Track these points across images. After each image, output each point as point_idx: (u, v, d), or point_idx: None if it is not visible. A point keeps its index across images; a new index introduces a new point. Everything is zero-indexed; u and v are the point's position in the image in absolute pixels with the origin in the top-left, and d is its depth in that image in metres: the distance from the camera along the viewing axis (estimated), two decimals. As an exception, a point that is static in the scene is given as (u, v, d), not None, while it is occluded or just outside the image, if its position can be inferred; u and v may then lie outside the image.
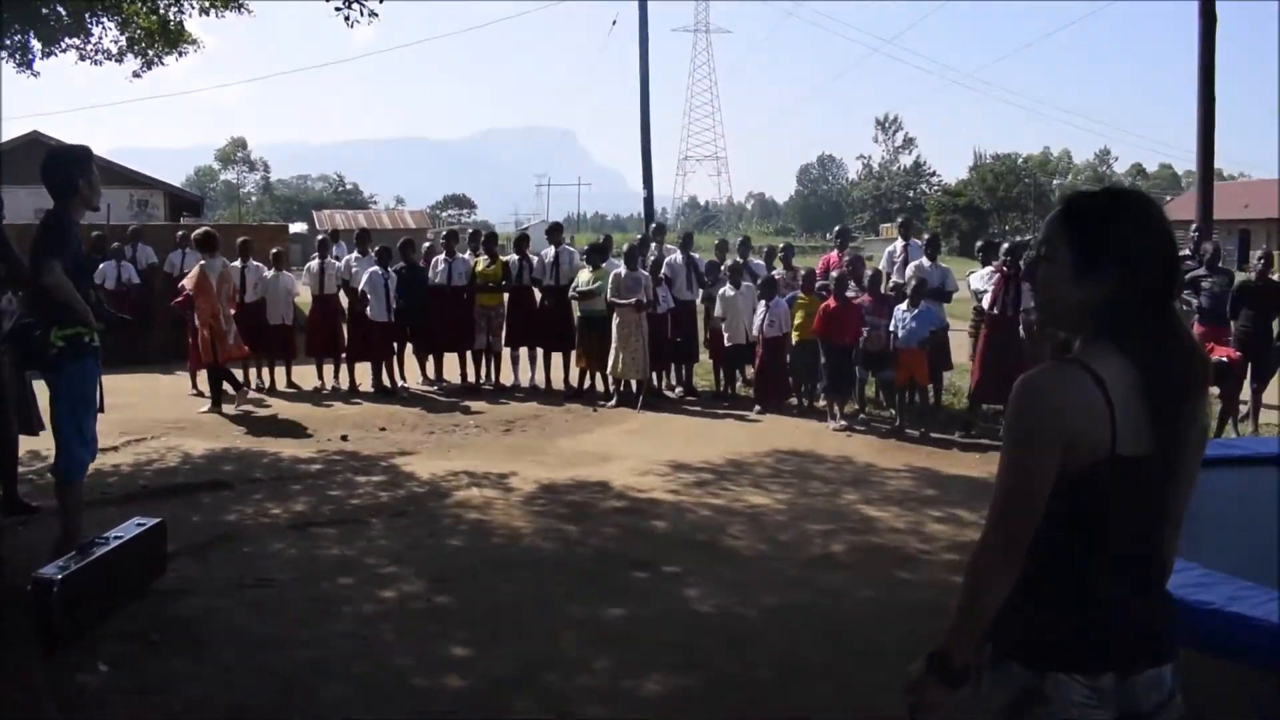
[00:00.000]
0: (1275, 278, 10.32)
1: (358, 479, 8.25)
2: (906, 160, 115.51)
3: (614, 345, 11.57)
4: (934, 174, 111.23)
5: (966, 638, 2.08)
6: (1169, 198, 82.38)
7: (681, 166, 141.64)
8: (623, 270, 11.64)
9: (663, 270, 12.25)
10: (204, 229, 12.36)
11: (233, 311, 11.37)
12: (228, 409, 11.17)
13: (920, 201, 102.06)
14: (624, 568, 6.04)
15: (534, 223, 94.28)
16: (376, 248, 12.96)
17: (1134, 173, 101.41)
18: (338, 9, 10.17)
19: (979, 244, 11.19)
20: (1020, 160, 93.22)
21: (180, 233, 15.65)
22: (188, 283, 11.10)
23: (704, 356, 12.81)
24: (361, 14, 10.23)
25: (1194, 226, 13.67)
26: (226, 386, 11.31)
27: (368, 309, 12.31)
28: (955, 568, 6.08)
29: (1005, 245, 10.11)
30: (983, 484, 8.12)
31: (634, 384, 11.78)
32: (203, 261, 11.21)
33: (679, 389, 12.65)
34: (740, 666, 4.69)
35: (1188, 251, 11.20)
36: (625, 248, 12.15)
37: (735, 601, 5.48)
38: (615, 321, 11.54)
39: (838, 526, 6.94)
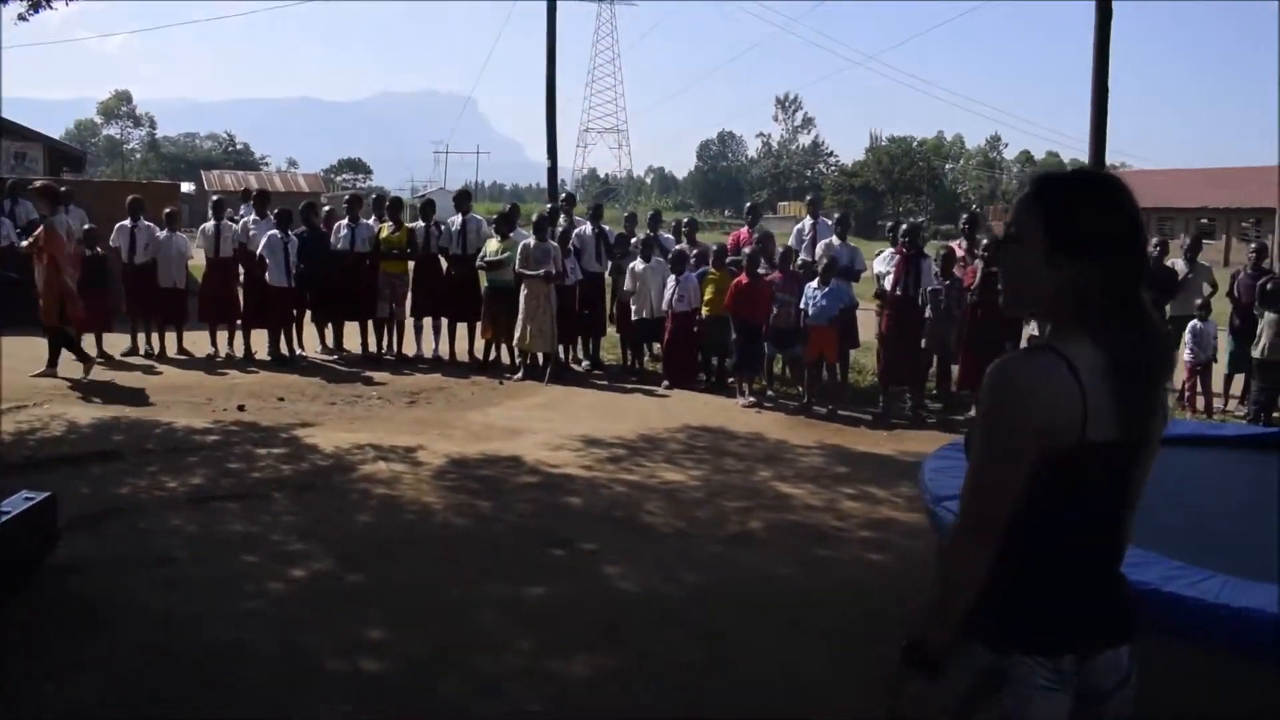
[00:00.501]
0: (1167, 263, 10.66)
1: (257, 451, 7.94)
2: (805, 140, 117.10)
3: (521, 317, 11.39)
4: (832, 154, 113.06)
5: (942, 624, 2.03)
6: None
7: (582, 138, 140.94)
8: (531, 241, 11.44)
9: (571, 242, 12.08)
10: (42, 182, 11.69)
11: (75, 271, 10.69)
12: (72, 375, 10.58)
13: (818, 181, 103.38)
14: (541, 545, 5.92)
15: (432, 190, 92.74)
16: (276, 210, 12.49)
17: (1022, 159, 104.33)
18: None
19: (889, 225, 11.31)
20: (915, 143, 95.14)
21: (62, 189, 14.85)
22: (43, 241, 10.35)
23: (610, 330, 12.71)
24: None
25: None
26: (68, 354, 10.67)
27: (266, 274, 11.88)
28: (871, 545, 6.15)
29: (904, 226, 10.23)
30: (893, 462, 8.23)
31: (540, 357, 11.61)
32: (48, 217, 10.52)
33: (586, 363, 12.52)
34: (667, 646, 4.62)
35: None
36: (534, 218, 11.94)
37: (657, 580, 5.41)
38: (523, 293, 11.35)
39: (754, 503, 6.93)
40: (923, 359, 10.07)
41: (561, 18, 22.60)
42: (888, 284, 9.92)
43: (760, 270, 10.48)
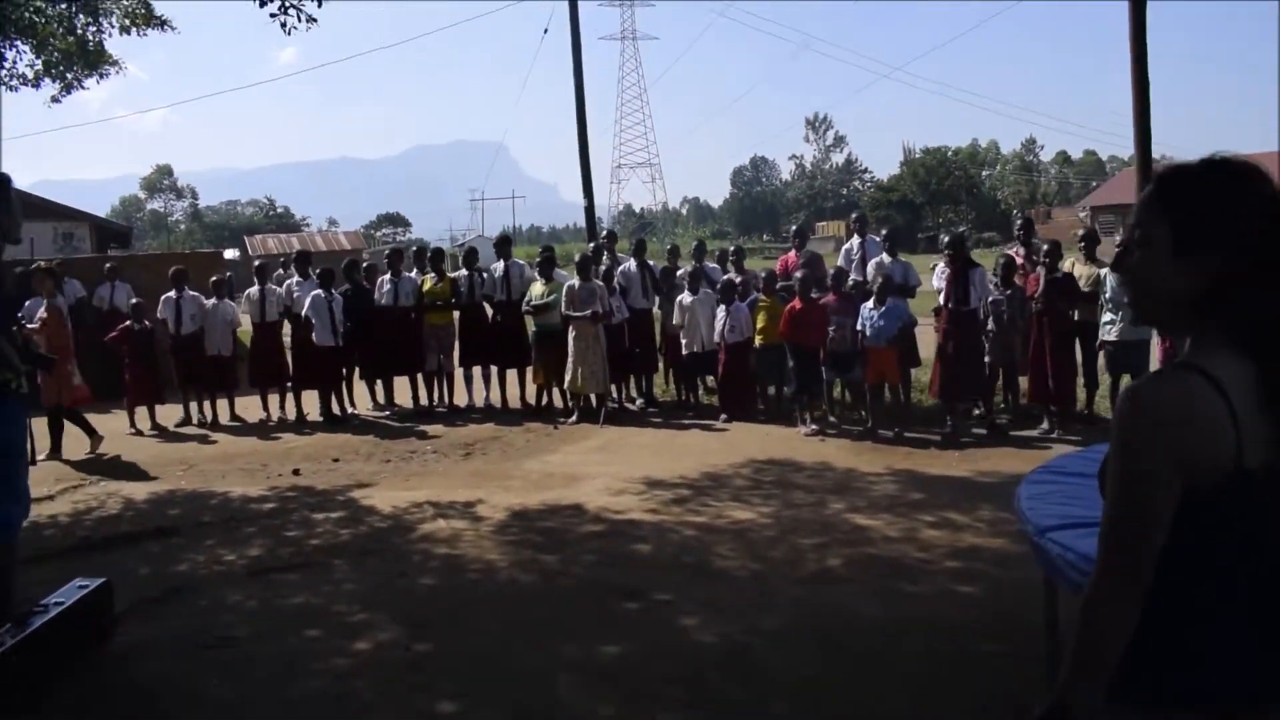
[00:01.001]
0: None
1: (315, 516, 7.79)
2: (838, 158, 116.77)
3: (571, 359, 11.21)
4: (866, 170, 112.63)
5: (1088, 684, 1.77)
6: (1094, 184, 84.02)
7: (615, 174, 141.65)
8: (576, 282, 11.26)
9: (616, 279, 11.90)
10: (38, 264, 11.66)
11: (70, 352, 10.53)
12: (82, 455, 10.52)
13: (854, 198, 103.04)
14: (612, 598, 5.66)
15: (470, 238, 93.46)
16: (318, 270, 12.44)
17: (1059, 160, 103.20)
18: (273, 15, 9.68)
19: (944, 238, 11.02)
20: (950, 153, 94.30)
21: (108, 265, 14.96)
22: (45, 321, 10.24)
23: (661, 365, 12.47)
24: (299, 19, 9.74)
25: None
26: (74, 432, 10.63)
27: (313, 334, 11.80)
28: (958, 576, 5.83)
29: (945, 238, 9.92)
30: (968, 483, 7.91)
31: (594, 398, 11.40)
32: (50, 299, 10.44)
33: (640, 401, 12.29)
34: (752, 699, 4.35)
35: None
36: (578, 258, 11.79)
37: (736, 628, 5.13)
38: (571, 335, 11.18)
39: (830, 539, 6.63)
40: (984, 372, 9.70)
41: (586, 57, 22.64)
42: (941, 298, 9.59)
43: (813, 293, 10.21)
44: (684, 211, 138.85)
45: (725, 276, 11.57)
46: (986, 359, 9.63)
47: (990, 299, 9.51)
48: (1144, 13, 16.09)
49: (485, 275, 12.46)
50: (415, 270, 12.92)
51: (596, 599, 5.66)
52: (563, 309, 11.24)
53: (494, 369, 12.53)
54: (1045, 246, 9.99)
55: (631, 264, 12.26)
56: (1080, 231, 10.89)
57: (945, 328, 9.51)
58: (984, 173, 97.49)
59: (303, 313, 11.90)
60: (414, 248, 14.30)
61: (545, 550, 6.63)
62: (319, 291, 11.88)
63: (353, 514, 7.80)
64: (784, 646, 4.90)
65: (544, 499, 7.98)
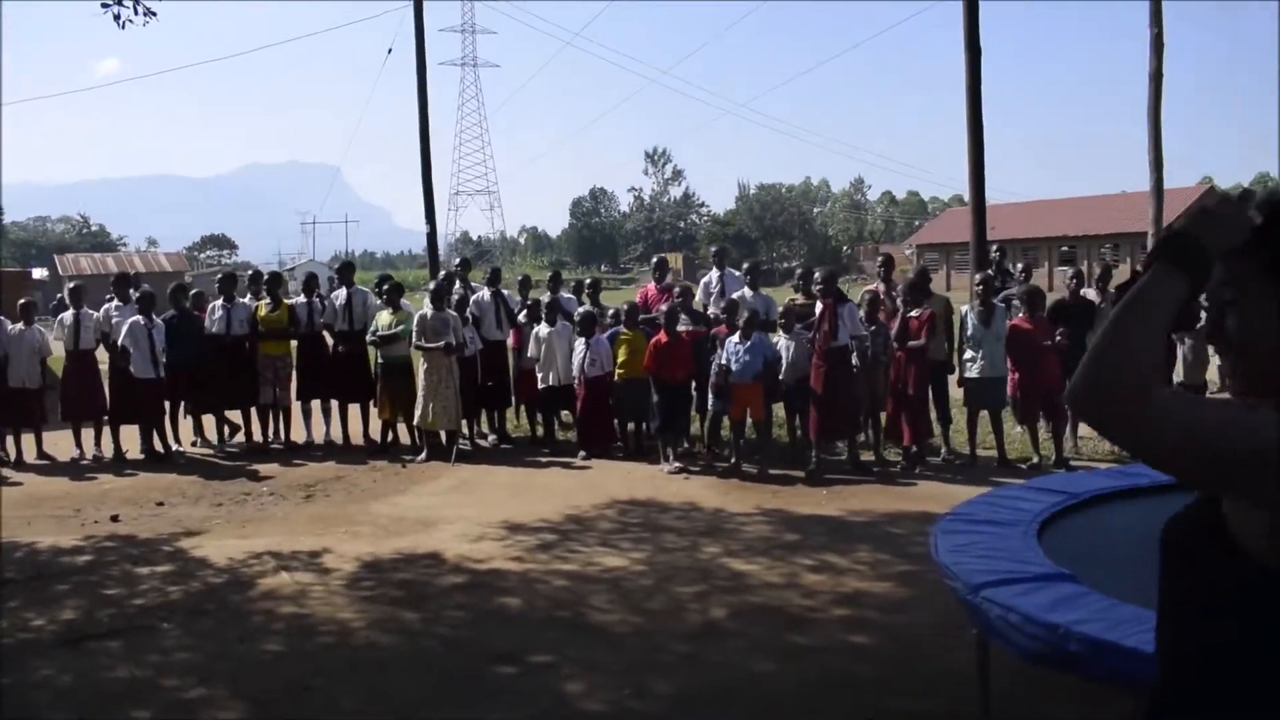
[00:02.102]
0: (1085, 294, 10.50)
1: (138, 570, 6.98)
2: (676, 192, 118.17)
3: (421, 393, 10.62)
4: (703, 204, 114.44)
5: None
6: (918, 223, 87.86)
7: (453, 201, 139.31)
8: (429, 311, 10.69)
9: (469, 309, 11.37)
10: None
11: None
12: None
13: (691, 232, 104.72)
14: (485, 661, 5.17)
15: (301, 262, 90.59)
16: (139, 294, 11.44)
17: (885, 200, 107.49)
18: (105, 5, 8.80)
19: (798, 271, 10.94)
20: (784, 189, 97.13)
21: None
22: None
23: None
24: (135, 12, 8.87)
25: (995, 247, 13.95)
26: None
27: (130, 364, 10.80)
28: (850, 625, 5.59)
29: (817, 273, 9.84)
30: (842, 524, 7.74)
31: (444, 435, 10.82)
32: None
33: (492, 437, 11.77)
34: (652, 781, 3.93)
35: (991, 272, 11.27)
36: (431, 286, 11.21)
37: (627, 694, 4.71)
38: (423, 367, 10.60)
39: (709, 586, 6.30)
40: (858, 409, 9.63)
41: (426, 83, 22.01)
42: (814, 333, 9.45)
43: (681, 327, 9.96)
44: (522, 240, 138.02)
45: (583, 308, 11.20)
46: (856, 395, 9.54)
47: (852, 334, 9.43)
48: (979, 58, 16.71)
49: (326, 302, 11.74)
50: (249, 296, 12.07)
51: (467, 663, 5.15)
52: (414, 340, 10.66)
53: (335, 403, 11.78)
54: (902, 285, 10.03)
55: (486, 293, 11.76)
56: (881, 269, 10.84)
57: (818, 364, 9.36)
58: (815, 210, 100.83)
59: (119, 340, 10.88)
60: (250, 272, 13.37)
61: (404, 606, 6.06)
62: (138, 318, 10.89)
63: (182, 567, 7.03)
64: (682, 714, 4.52)
65: (397, 546, 7.40)
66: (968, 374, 9.55)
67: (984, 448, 9.85)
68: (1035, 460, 9.45)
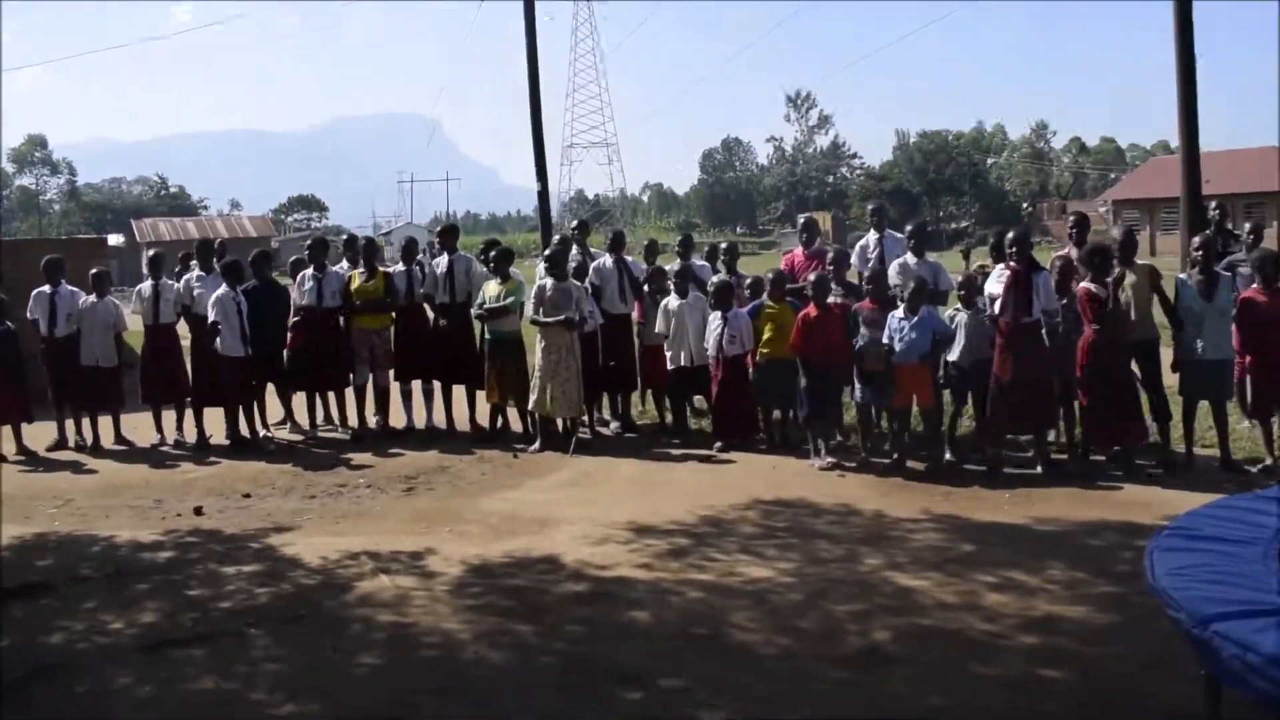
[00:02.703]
0: None
1: (224, 570, 7.24)
2: (823, 141, 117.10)
3: (538, 375, 10.70)
4: (855, 156, 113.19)
5: None
6: (1113, 175, 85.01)
7: (566, 156, 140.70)
8: (548, 281, 10.75)
9: (588, 278, 11.41)
10: None
11: None
12: None
13: (841, 187, 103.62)
14: (608, 683, 5.19)
15: (397, 225, 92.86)
16: (223, 262, 11.81)
17: (1073, 148, 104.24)
18: None
19: (990, 238, 10.61)
20: (951, 137, 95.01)
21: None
22: None
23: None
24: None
25: (1214, 203, 13.31)
26: None
27: (218, 341, 11.16)
28: (1040, 656, 5.42)
29: (1010, 234, 9.52)
30: (1028, 534, 7.54)
31: (560, 422, 10.92)
32: None
33: (615, 425, 11.82)
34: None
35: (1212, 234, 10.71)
36: (549, 251, 11.28)
37: (774, 728, 4.65)
38: (540, 345, 10.67)
39: (870, 605, 6.20)
40: (1053, 396, 9.31)
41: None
42: (997, 307, 9.18)
43: (832, 299, 9.83)
44: (646, 199, 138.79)
45: (718, 277, 11.13)
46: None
47: (1043, 308, 9.12)
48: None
49: (426, 271, 11.96)
50: (345, 263, 12.36)
51: (588, 685, 5.18)
52: (530, 314, 10.75)
53: (437, 384, 12.00)
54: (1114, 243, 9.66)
55: (607, 260, 11.78)
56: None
57: (1004, 344, 9.09)
58: (989, 160, 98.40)
59: (209, 314, 11.23)
60: (343, 236, 13.70)
61: (517, 618, 6.13)
62: (225, 289, 11.24)
63: (271, 567, 7.26)
64: (836, 753, 4.44)
65: (509, 549, 7.49)
66: (1184, 357, 9.15)
67: (1203, 445, 9.44)
68: (1269, 462, 9.01)
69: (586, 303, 10.98)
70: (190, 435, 11.71)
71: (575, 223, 13.47)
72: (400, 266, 11.97)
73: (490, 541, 7.71)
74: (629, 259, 12.11)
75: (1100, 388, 8.98)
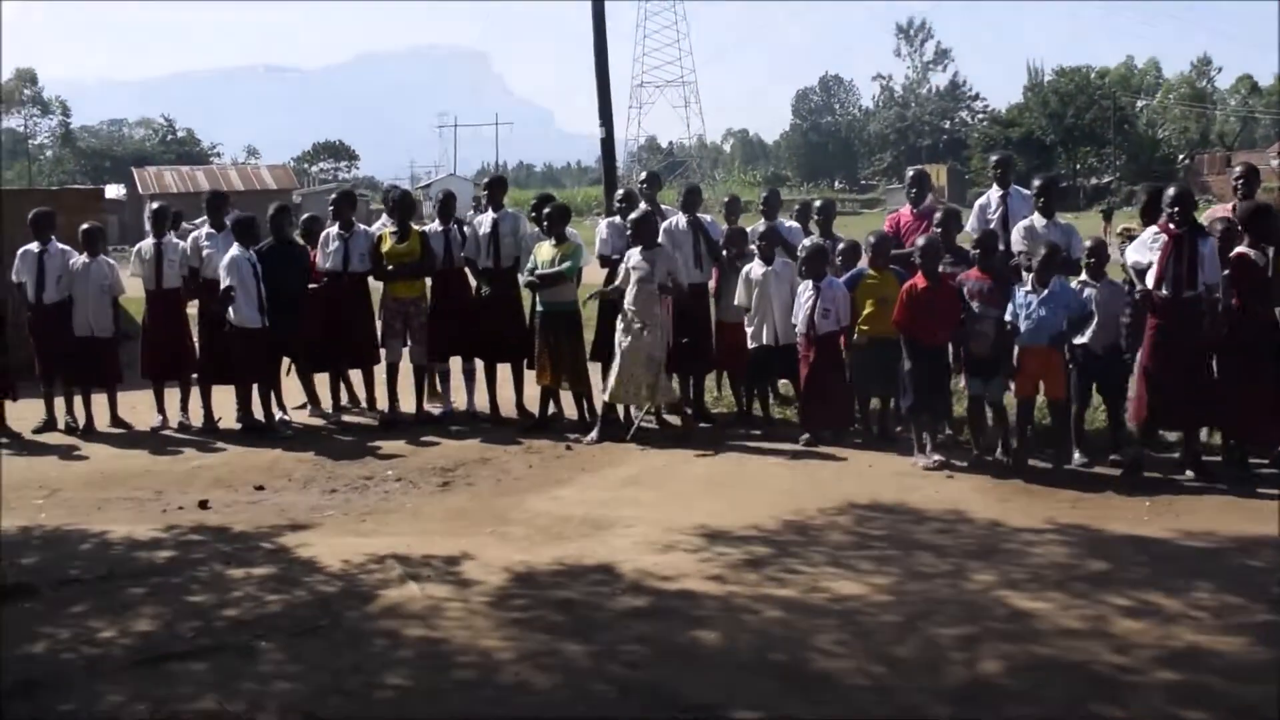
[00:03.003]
0: None
1: (231, 573, 7.40)
2: (939, 80, 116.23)
3: (621, 361, 10.82)
4: (977, 97, 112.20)
5: None
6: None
7: (635, 96, 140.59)
8: (635, 252, 10.83)
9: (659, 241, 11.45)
10: None
11: None
12: None
13: (960, 135, 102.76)
14: (672, 714, 5.24)
15: (438, 177, 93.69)
16: (236, 218, 11.96)
17: (1243, 88, 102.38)
18: None
19: (1141, 196, 10.50)
20: (1093, 75, 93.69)
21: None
22: None
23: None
24: None
25: None
26: None
27: (230, 310, 11.33)
28: (1182, 695, 5.39)
29: (1170, 191, 9.39)
30: (1172, 549, 7.55)
31: (621, 408, 11.05)
32: None
33: (687, 410, 11.86)
34: None
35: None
36: (621, 206, 11.41)
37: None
38: (623, 324, 10.84)
39: (980, 629, 6.22)
40: (1215, 387, 9.22)
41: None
42: (1150, 279, 9.08)
43: (943, 268, 9.84)
44: (728, 148, 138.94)
45: (811, 240, 11.11)
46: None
47: (1206, 282, 9.01)
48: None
49: (466, 230, 12.08)
50: (385, 219, 12.57)
51: (649, 716, 5.25)
52: (619, 282, 10.94)
53: (479, 363, 12.14)
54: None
55: (680, 219, 11.81)
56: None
57: (1158, 324, 9.01)
58: (1138, 103, 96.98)
59: (223, 279, 11.39)
60: (389, 189, 13.83)
61: (567, 635, 6.23)
62: (239, 250, 11.39)
63: (285, 571, 7.43)
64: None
65: (559, 555, 7.60)
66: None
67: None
68: None
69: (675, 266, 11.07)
70: (196, 418, 11.99)
71: (644, 175, 13.50)
72: (437, 225, 12.11)
73: (538, 546, 7.82)
74: (706, 218, 12.12)
75: (1257, 376, 8.88)
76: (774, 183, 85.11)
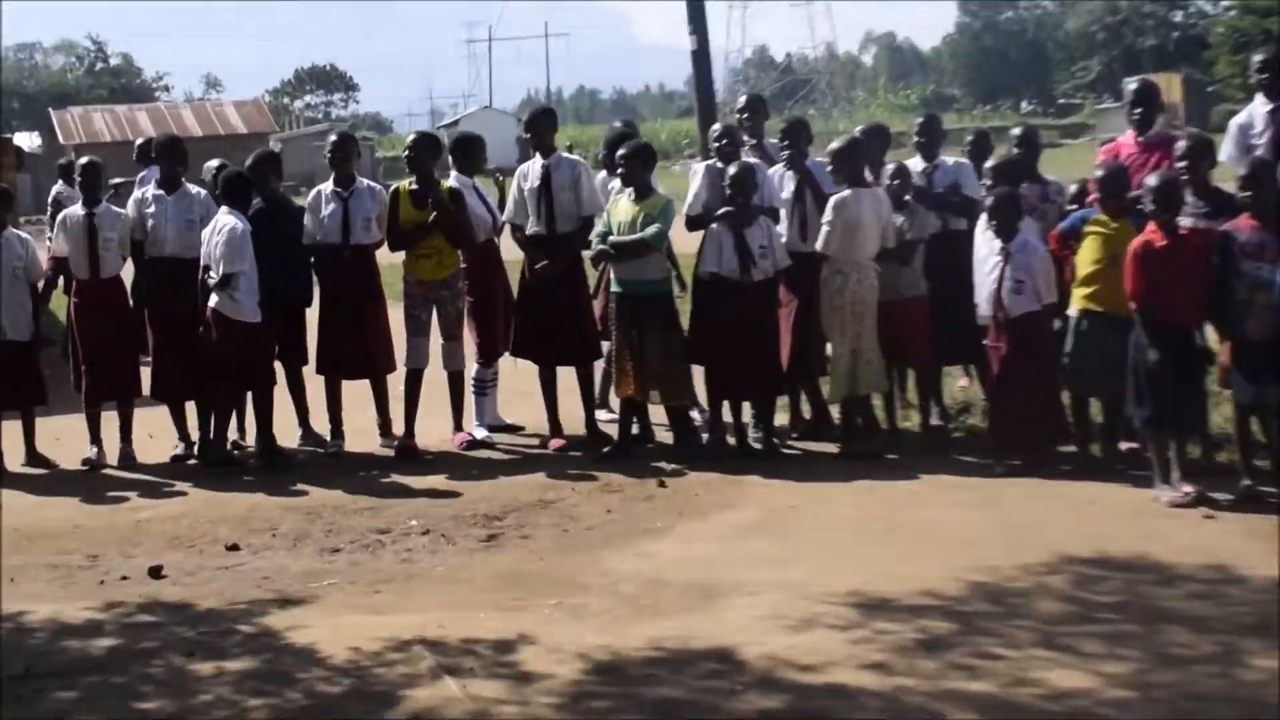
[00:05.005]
0: None
1: (196, 668, 7.40)
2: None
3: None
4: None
5: None
6: None
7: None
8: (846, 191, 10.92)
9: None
10: None
11: None
12: None
13: (1197, 31, 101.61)
14: None
15: (467, 111, 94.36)
16: (219, 172, 12.06)
17: None
18: None
19: None
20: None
21: None
22: None
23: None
24: None
25: None
26: None
27: (214, 297, 11.35)
28: None
29: None
30: None
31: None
32: None
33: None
34: None
35: None
36: (723, 146, 11.51)
37: None
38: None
39: (1264, 738, 6.08)
40: None
41: None
42: None
43: (1186, 219, 9.71)
44: (869, 60, 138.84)
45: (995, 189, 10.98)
46: None
47: None
48: None
49: (505, 184, 12.09)
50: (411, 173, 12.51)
51: None
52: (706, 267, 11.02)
53: (532, 366, 12.14)
54: None
55: (780, 166, 11.71)
56: None
57: None
58: None
59: (220, 263, 11.25)
60: (412, 137, 13.67)
61: (670, 752, 6.16)
62: (237, 221, 11.35)
63: (272, 664, 7.43)
64: None
65: (654, 636, 7.56)
66: None
67: None
68: None
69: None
70: (145, 450, 12.08)
71: (744, 100, 13.32)
72: (458, 178, 12.13)
73: (623, 624, 7.79)
74: (820, 162, 11.95)
75: None
76: (935, 106, 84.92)
